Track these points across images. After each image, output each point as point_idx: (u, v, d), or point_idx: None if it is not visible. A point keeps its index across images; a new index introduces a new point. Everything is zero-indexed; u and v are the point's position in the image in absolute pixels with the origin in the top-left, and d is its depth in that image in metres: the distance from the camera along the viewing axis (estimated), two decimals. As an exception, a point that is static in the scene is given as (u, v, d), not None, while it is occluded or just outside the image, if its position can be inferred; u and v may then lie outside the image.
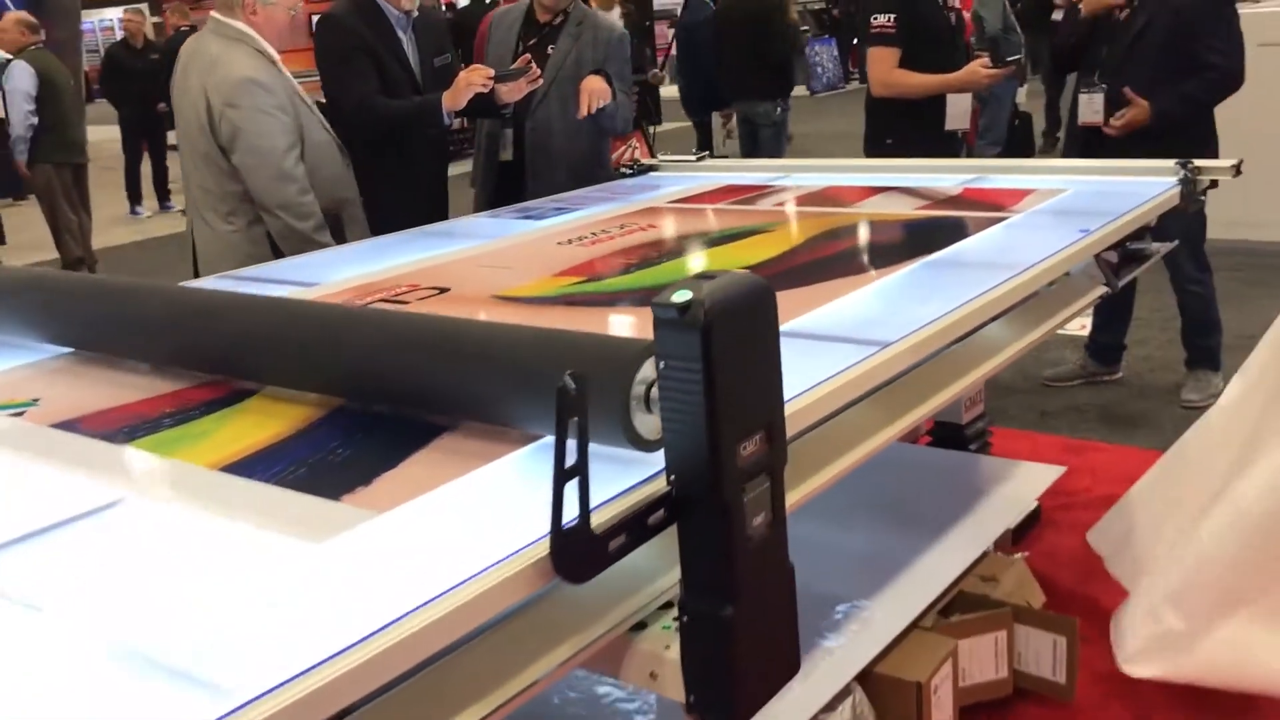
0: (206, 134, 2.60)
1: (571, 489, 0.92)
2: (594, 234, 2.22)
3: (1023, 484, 2.25)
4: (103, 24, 22.50)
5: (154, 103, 8.05)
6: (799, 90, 11.43)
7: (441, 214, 3.10)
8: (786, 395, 1.19)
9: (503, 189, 3.21)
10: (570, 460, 0.91)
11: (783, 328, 1.51)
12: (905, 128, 3.40)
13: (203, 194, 2.66)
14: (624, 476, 1.05)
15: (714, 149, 6.29)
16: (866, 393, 1.34)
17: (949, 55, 3.47)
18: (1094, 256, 1.99)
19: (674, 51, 8.82)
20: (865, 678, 1.69)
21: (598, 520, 0.96)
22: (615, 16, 4.87)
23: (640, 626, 1.11)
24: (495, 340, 1.19)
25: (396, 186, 2.97)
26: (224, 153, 2.60)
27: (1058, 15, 6.59)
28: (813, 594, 1.92)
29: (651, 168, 3.09)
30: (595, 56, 3.16)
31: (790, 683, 1.10)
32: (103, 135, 8.98)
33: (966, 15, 4.12)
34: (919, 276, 1.72)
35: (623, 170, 3.07)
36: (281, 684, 0.78)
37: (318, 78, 3.01)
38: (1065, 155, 3.63)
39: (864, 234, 2.06)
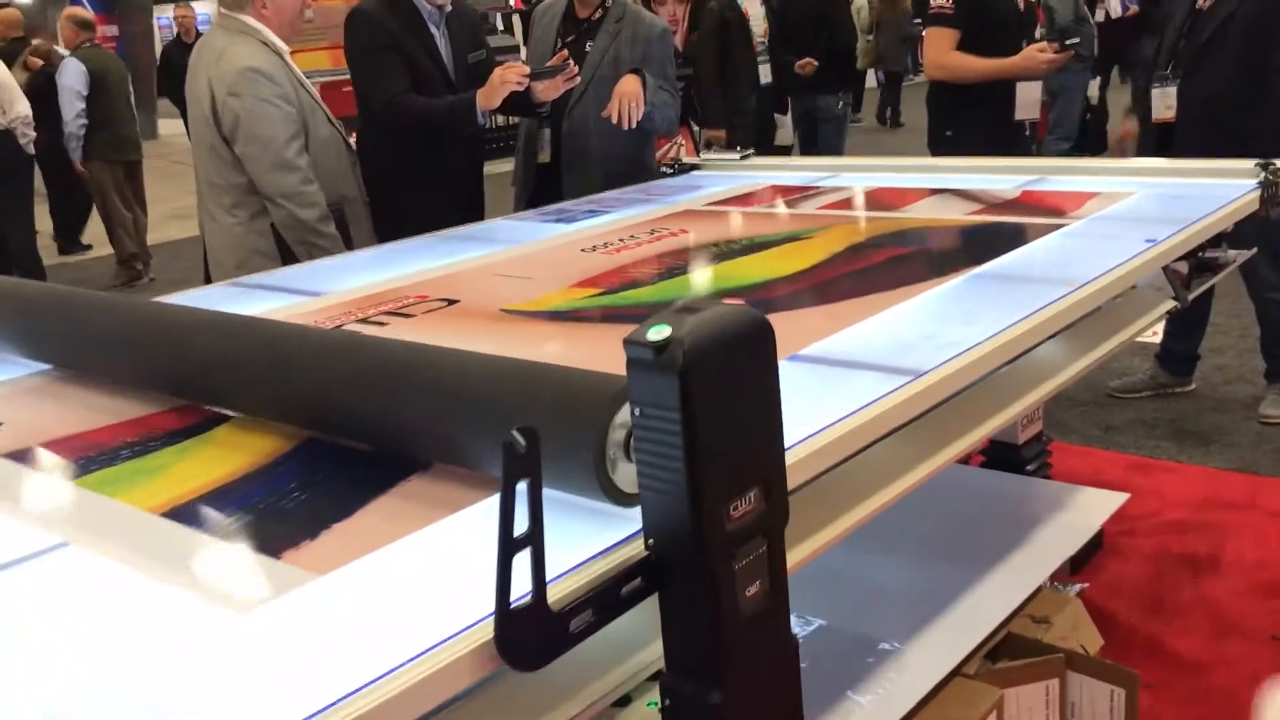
0: (211, 126, 2.56)
1: (526, 559, 0.79)
2: (622, 240, 2.08)
3: (1083, 512, 2.08)
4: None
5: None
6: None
7: (477, 214, 3.00)
8: (796, 436, 1.06)
9: (541, 190, 3.10)
10: (520, 529, 0.78)
11: (805, 352, 1.38)
12: (965, 119, 3.23)
13: (209, 188, 2.62)
14: (603, 534, 0.92)
15: (775, 137, 6.11)
16: (892, 430, 1.20)
17: (1016, 45, 3.29)
18: (1162, 267, 1.81)
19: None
20: (901, 731, 1.55)
21: (559, 593, 0.83)
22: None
23: (624, 701, 0.98)
24: (462, 375, 1.06)
25: (429, 186, 2.86)
26: (227, 143, 2.56)
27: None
28: (844, 635, 1.79)
29: (694, 167, 2.95)
30: (633, 54, 3.02)
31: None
32: (176, 129, 9.04)
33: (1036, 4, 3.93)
34: (965, 292, 1.56)
35: (663, 170, 2.94)
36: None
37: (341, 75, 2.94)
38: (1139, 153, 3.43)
39: (908, 242, 1.90)
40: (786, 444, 0.98)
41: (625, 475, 0.93)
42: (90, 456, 1.21)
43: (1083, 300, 1.50)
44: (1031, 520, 2.03)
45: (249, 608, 0.87)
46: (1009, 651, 1.74)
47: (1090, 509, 2.10)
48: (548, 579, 0.80)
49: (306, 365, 1.16)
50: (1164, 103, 3.38)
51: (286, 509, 1.03)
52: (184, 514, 1.04)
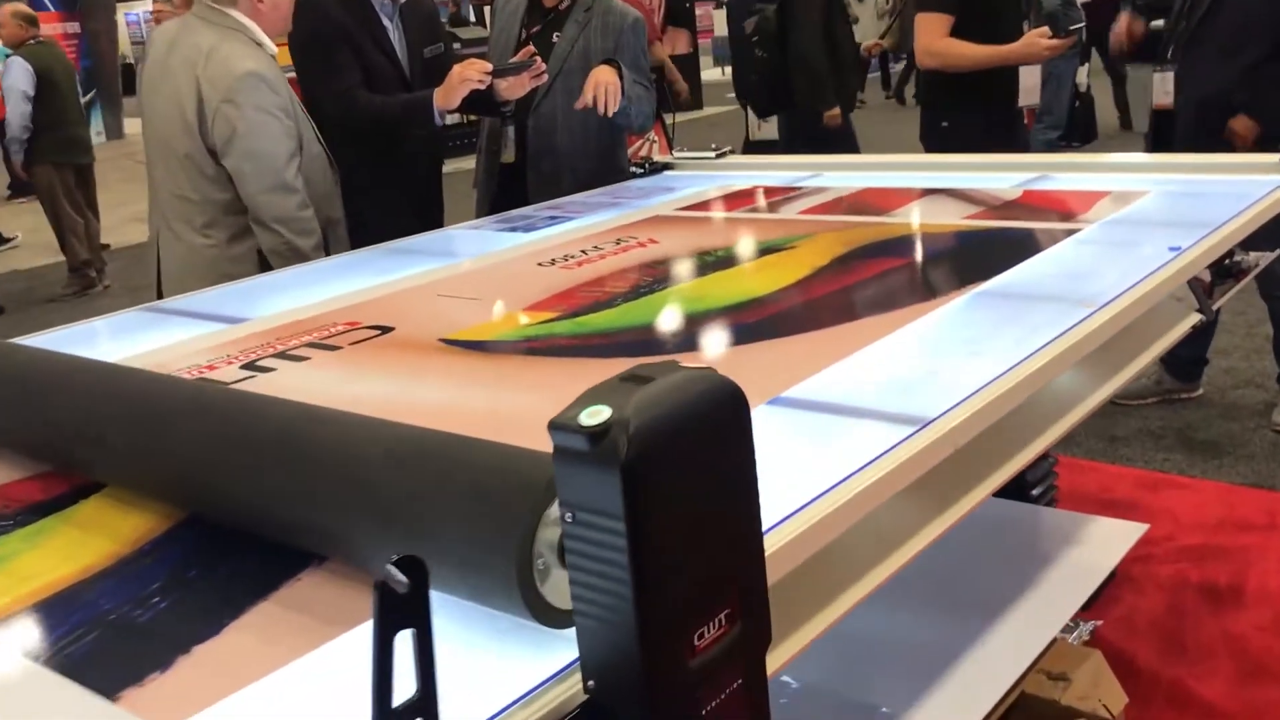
0: (193, 133, 2.28)
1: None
2: (584, 251, 1.88)
3: (1097, 546, 1.89)
4: (146, 16, 22.52)
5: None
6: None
7: (436, 220, 2.78)
8: (777, 513, 0.86)
9: (505, 192, 2.88)
10: (406, 693, 0.57)
11: (788, 394, 1.18)
12: (963, 110, 3.03)
13: (176, 202, 2.34)
14: (531, 665, 0.71)
15: (749, 134, 5.89)
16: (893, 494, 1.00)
17: (1010, 28, 3.10)
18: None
19: (720, 33, 8.44)
20: (903, 818, 1.35)
21: (465, 764, 0.62)
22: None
23: None
24: (354, 453, 0.85)
25: (382, 193, 2.65)
26: (213, 155, 2.28)
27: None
28: (840, 702, 1.60)
29: (666, 166, 2.74)
30: (604, 45, 2.81)
31: None
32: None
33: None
34: (968, 315, 1.36)
35: (633, 170, 2.73)
36: None
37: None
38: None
39: (901, 253, 1.70)
40: (766, 525, 0.78)
41: (560, 587, 0.73)
42: (-78, 543, 1.00)
43: (1106, 324, 1.30)
44: (1041, 558, 1.83)
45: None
46: (1024, 714, 1.55)
47: (1105, 543, 1.91)
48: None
49: (182, 431, 0.95)
50: (1162, 88, 3.20)
51: (140, 622, 0.82)
52: (16, 630, 0.83)
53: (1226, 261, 1.77)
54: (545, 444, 0.66)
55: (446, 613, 0.72)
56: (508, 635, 0.74)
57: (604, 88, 2.62)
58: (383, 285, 1.78)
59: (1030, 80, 3.06)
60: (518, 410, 1.15)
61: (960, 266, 1.60)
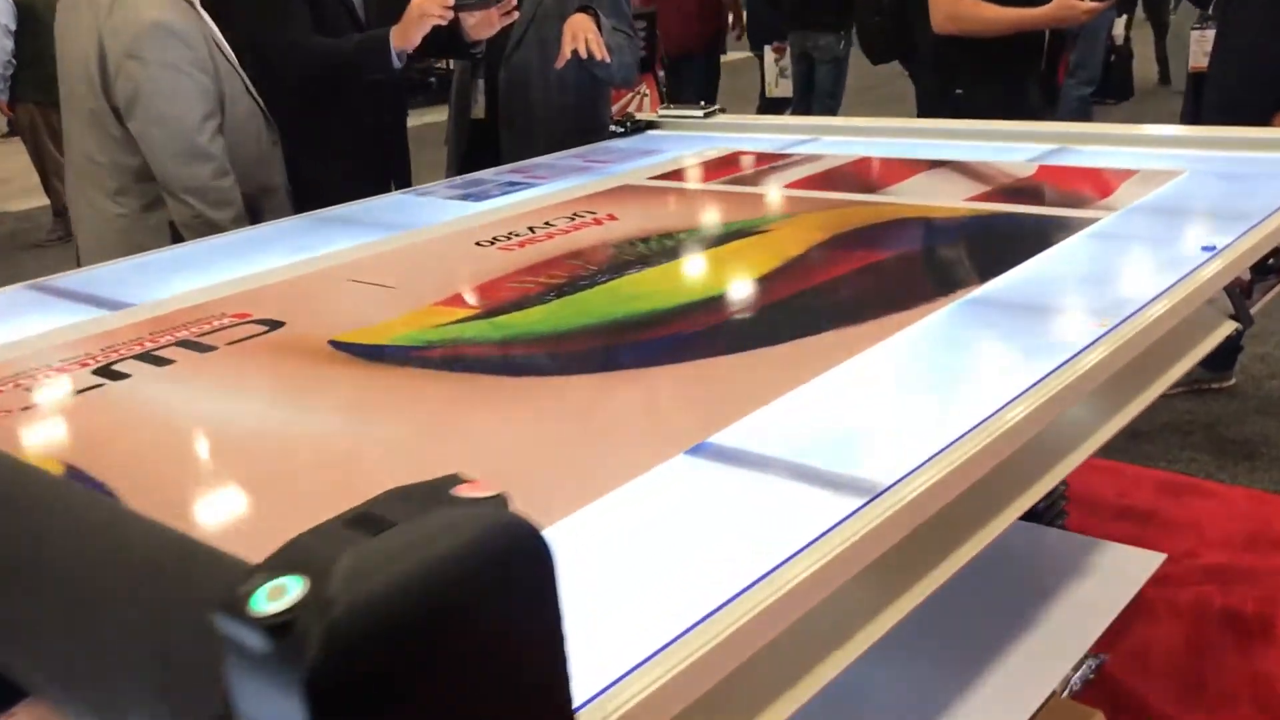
0: (96, 89, 2.04)
1: None
2: (531, 228, 1.64)
3: (1108, 578, 1.66)
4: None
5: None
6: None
7: (400, 181, 2.55)
8: (682, 621, 0.64)
9: (477, 150, 2.64)
10: None
11: (715, 440, 0.94)
12: (982, 81, 2.75)
13: (86, 165, 2.11)
14: None
15: (765, 90, 5.60)
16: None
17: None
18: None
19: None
20: None
21: None
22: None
23: None
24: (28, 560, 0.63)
25: (333, 152, 2.41)
26: (117, 116, 2.05)
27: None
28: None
29: (650, 125, 2.49)
30: (581, -12, 2.56)
31: None
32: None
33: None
34: (959, 329, 1.12)
35: (612, 129, 2.48)
36: None
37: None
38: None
39: (888, 243, 1.46)
40: (675, 629, 0.57)
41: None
42: None
43: (1122, 347, 1.07)
44: (1044, 591, 1.60)
45: None
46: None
47: (1118, 572, 1.67)
48: None
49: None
50: (1200, 48, 2.92)
51: None
52: None
53: (1271, 260, 1.53)
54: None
55: None
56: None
57: (583, 37, 2.37)
58: (293, 265, 1.55)
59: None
60: (372, 459, 0.93)
61: (953, 263, 1.36)
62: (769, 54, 5.30)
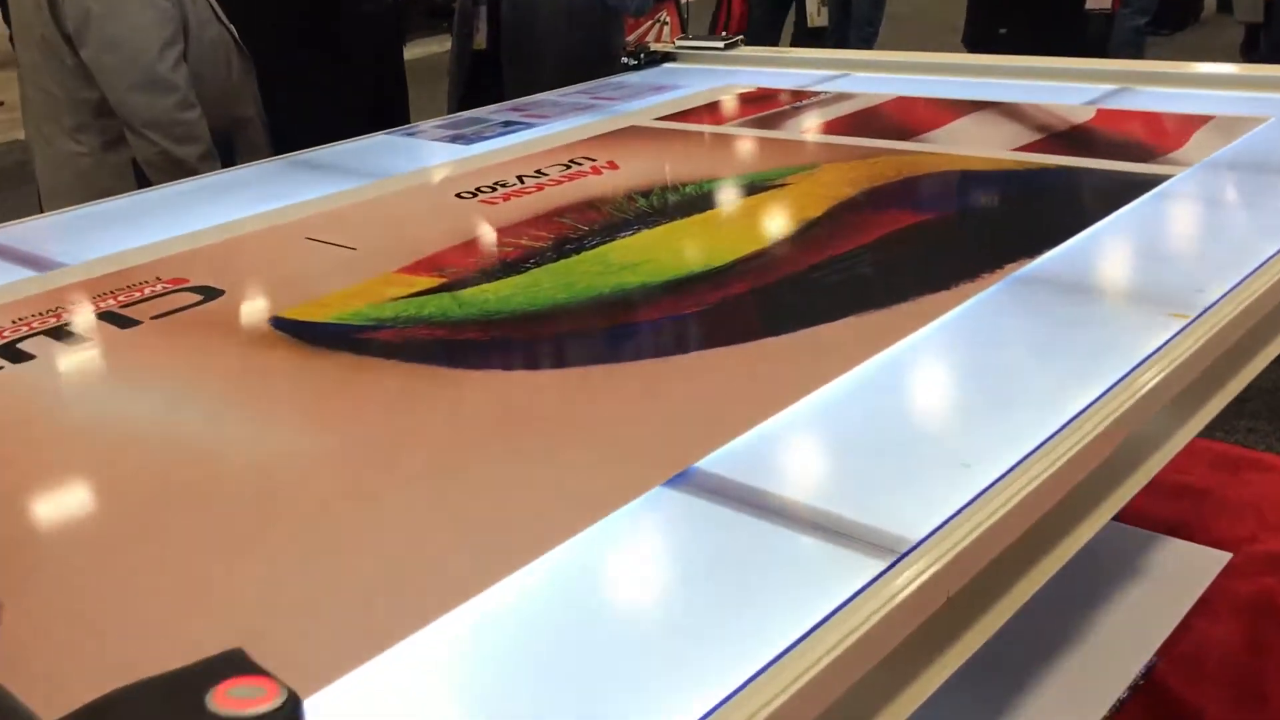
0: (44, 14, 1.87)
1: None
2: (520, 178, 1.46)
3: (1166, 580, 1.48)
4: None
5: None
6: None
7: (396, 117, 2.37)
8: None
9: (479, 84, 2.45)
10: None
11: (704, 465, 0.70)
12: (1028, 10, 2.51)
13: (42, 99, 1.94)
14: None
15: (807, 19, 5.31)
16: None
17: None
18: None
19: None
20: None
21: None
22: None
23: None
24: None
25: (323, 87, 2.23)
26: (70, 43, 1.87)
27: None
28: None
29: (666, 57, 2.29)
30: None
31: None
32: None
33: None
34: (1004, 317, 0.94)
35: (624, 61, 2.28)
36: None
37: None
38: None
39: (924, 202, 1.26)
40: None
41: None
42: None
43: (1211, 341, 0.88)
44: (1092, 596, 1.43)
45: None
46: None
47: (1177, 572, 1.50)
48: None
49: None
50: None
51: None
52: None
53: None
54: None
55: None
56: None
57: None
58: (248, 219, 1.38)
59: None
60: (281, 482, 0.76)
61: (998, 230, 1.16)
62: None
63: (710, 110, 1.81)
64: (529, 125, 1.80)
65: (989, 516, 0.66)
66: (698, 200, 1.31)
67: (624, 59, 2.29)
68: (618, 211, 1.29)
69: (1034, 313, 0.94)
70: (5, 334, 1.06)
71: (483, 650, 0.58)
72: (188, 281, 1.17)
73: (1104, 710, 1.27)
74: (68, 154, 1.91)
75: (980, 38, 2.53)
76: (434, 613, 0.59)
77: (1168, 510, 1.83)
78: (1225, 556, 1.51)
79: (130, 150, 1.87)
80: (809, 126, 1.63)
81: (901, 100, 1.74)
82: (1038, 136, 1.48)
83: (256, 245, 1.28)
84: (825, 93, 1.84)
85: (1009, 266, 1.02)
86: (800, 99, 1.82)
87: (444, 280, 1.11)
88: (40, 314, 1.11)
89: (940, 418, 0.77)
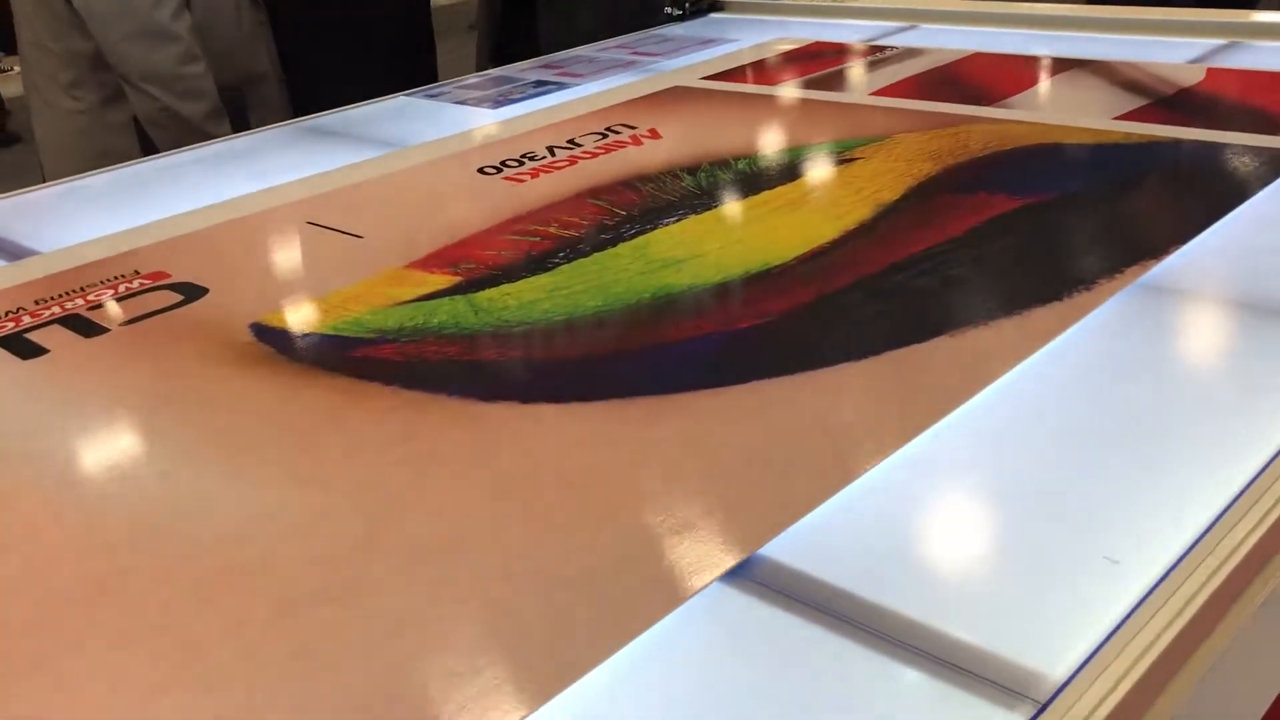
0: None
1: None
2: (550, 150, 1.30)
3: None
4: None
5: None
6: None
7: (421, 73, 2.20)
8: None
9: (511, 36, 2.27)
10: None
11: (769, 552, 0.51)
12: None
13: (36, 52, 1.80)
14: None
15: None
16: None
17: None
18: None
19: None
20: None
21: None
22: None
23: None
24: None
25: (344, 39, 2.06)
26: None
27: None
28: None
29: (713, 5, 2.10)
30: None
31: None
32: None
33: None
34: (1135, 338, 0.77)
35: (668, 10, 2.09)
36: None
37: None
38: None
39: (1007, 186, 1.08)
40: None
41: None
42: None
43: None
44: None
45: None
46: None
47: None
48: None
49: None
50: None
51: None
52: None
53: None
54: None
55: None
56: None
57: None
58: (245, 199, 1.23)
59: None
60: (231, 556, 0.61)
61: (1112, 221, 0.99)
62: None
63: (763, 69, 1.63)
64: (562, 86, 1.64)
65: (1155, 639, 0.50)
66: (751, 178, 1.15)
67: (667, 8, 2.10)
68: (659, 192, 1.13)
69: (1174, 334, 0.77)
70: (-44, 341, 0.92)
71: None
72: (169, 277, 1.02)
73: None
74: (64, 110, 1.76)
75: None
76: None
77: None
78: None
79: (131, 107, 1.72)
80: (875, 88, 1.45)
81: (979, 57, 1.55)
82: (1142, 102, 1.29)
83: (251, 231, 1.13)
84: (893, 47, 1.66)
85: (1130, 270, 0.85)
86: (865, 55, 1.64)
87: (458, 279, 0.96)
88: (8, 315, 0.97)
89: (1069, 490, 0.61)
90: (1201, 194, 1.01)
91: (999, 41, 1.62)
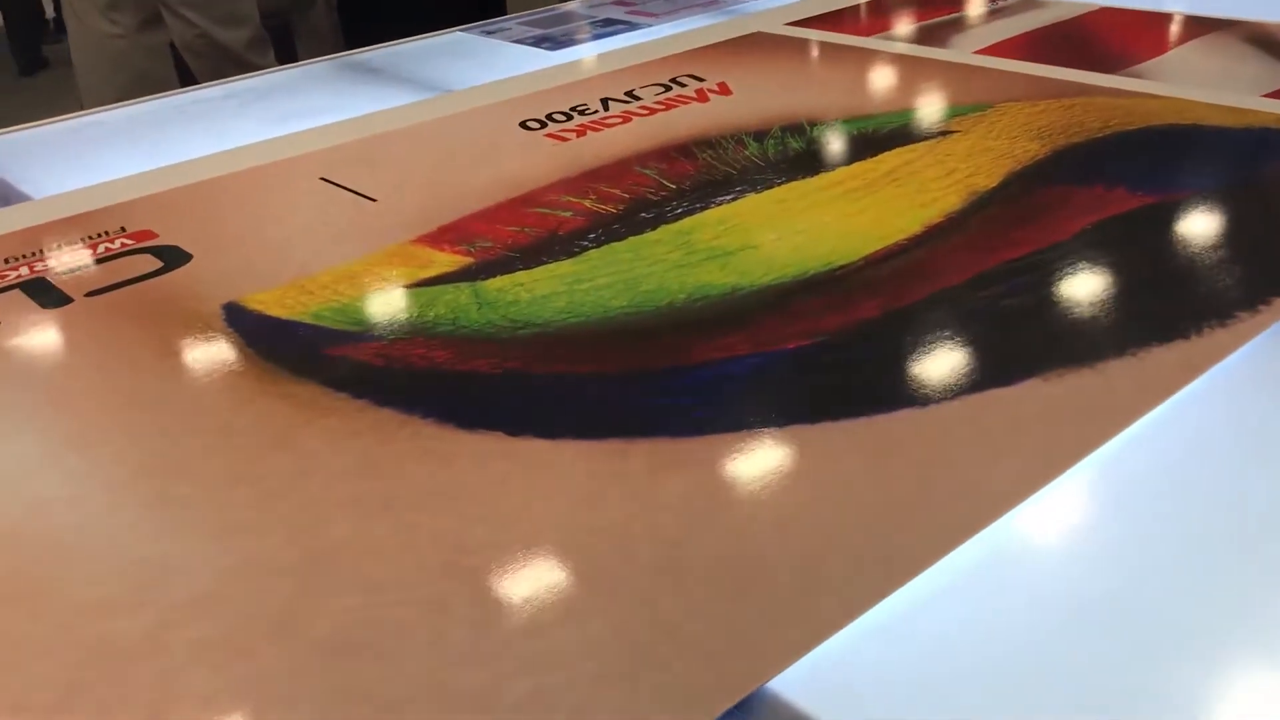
0: None
1: None
2: (605, 102, 1.15)
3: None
4: None
5: None
6: None
7: (495, 3, 2.06)
8: None
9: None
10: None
11: (781, 691, 0.42)
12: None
13: (71, -27, 1.71)
14: None
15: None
16: None
17: None
18: None
19: None
20: None
21: None
22: None
23: None
24: None
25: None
26: None
27: None
28: None
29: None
30: None
31: None
32: None
33: None
34: (1269, 397, 0.61)
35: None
36: None
37: None
38: None
39: (1138, 180, 0.90)
40: None
41: None
42: None
43: None
44: None
45: None
46: None
47: None
48: None
49: None
50: None
51: None
52: None
53: None
54: None
55: None
56: None
57: None
58: (262, 145, 1.11)
59: None
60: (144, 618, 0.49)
61: (1256, 234, 0.81)
62: None
63: (854, 14, 1.45)
64: (632, 26, 1.49)
65: None
66: (825, 149, 0.99)
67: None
68: (718, 161, 0.98)
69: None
70: (-94, 304, 0.82)
71: None
72: (155, 238, 0.91)
73: None
74: (101, 34, 1.66)
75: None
76: None
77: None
78: None
79: (167, 32, 1.62)
80: (980, 45, 1.27)
81: (1108, 13, 1.36)
82: (1300, 75, 1.10)
83: (256, 186, 1.01)
84: (1005, -3, 1.47)
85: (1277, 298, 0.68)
86: (973, 3, 1.45)
87: (469, 261, 0.83)
88: (-28, 272, 0.87)
89: (1249, 613, 0.46)
90: (1372, 200, 0.83)
91: (1131, -6, 1.42)
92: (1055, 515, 0.52)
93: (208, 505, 0.57)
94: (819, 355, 0.67)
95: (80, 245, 0.90)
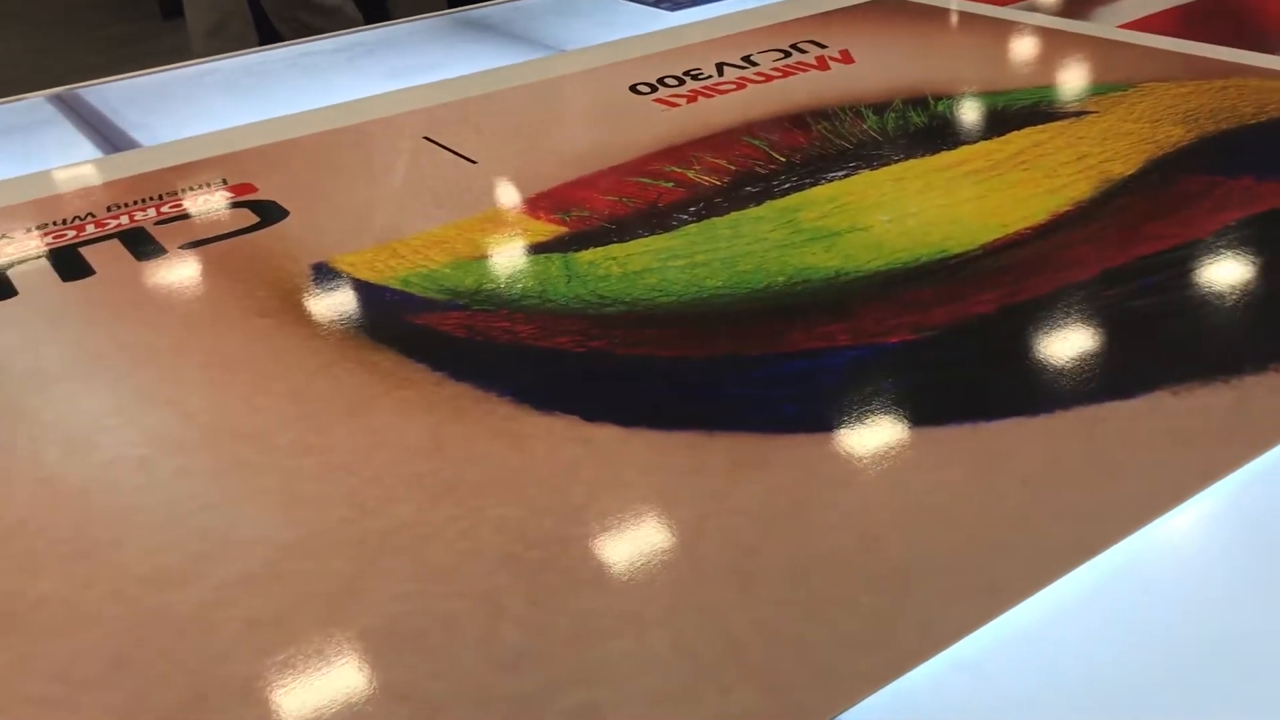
0: None
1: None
2: (719, 67, 1.11)
3: None
4: None
5: None
6: None
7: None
8: None
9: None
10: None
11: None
12: None
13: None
14: None
15: None
16: None
17: None
18: None
19: None
20: None
21: None
22: None
23: None
24: None
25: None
26: None
27: None
28: None
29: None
30: None
31: None
32: None
33: None
34: None
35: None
36: None
37: None
38: None
39: (1257, 178, 0.83)
40: None
41: None
42: None
43: None
44: None
45: None
46: None
47: None
48: None
49: None
50: None
51: None
52: None
53: None
54: None
55: None
56: None
57: None
58: (369, 101, 1.10)
59: None
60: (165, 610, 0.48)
61: None
62: None
63: (994, -17, 1.38)
64: (760, -15, 1.43)
65: None
66: (948, 127, 0.93)
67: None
68: (833, 134, 0.93)
69: None
70: (10, 249, 0.83)
71: None
72: (254, 191, 0.90)
73: None
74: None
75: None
76: None
77: None
78: None
79: None
80: (1131, 18, 1.19)
81: (1266, -13, 1.26)
82: None
83: (360, 143, 1.00)
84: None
85: None
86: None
87: (564, 230, 0.80)
88: (67, 221, 0.87)
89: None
90: None
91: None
92: (1175, 546, 0.47)
93: (274, 474, 0.56)
94: (924, 352, 0.62)
95: (183, 195, 0.90)
